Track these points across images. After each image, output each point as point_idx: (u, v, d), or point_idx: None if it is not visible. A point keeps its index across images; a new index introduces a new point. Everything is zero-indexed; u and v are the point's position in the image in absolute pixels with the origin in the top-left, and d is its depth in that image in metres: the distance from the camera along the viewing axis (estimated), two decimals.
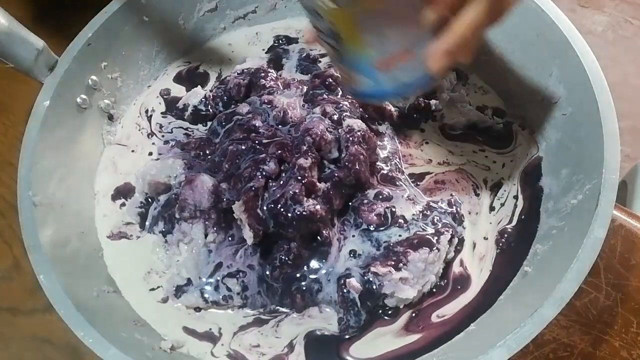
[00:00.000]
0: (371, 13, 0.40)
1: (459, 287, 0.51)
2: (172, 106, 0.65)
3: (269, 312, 0.51)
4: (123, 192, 0.60)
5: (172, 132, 0.64)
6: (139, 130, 0.64)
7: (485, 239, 0.53)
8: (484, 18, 0.39)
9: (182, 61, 0.70)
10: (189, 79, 0.68)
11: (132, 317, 0.51)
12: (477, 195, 0.56)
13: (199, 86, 0.65)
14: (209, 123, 0.63)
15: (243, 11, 0.70)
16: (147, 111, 0.66)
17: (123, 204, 0.59)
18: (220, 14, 0.69)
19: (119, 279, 0.54)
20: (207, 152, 0.59)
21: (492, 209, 0.55)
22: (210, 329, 0.51)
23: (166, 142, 0.63)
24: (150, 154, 0.62)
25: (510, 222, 0.54)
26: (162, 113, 0.65)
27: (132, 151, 0.63)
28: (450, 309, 0.50)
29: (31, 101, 0.55)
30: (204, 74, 0.69)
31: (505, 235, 0.53)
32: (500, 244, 0.52)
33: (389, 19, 0.41)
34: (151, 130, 0.64)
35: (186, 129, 0.64)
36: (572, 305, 0.51)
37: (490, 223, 0.54)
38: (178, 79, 0.68)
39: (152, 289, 0.53)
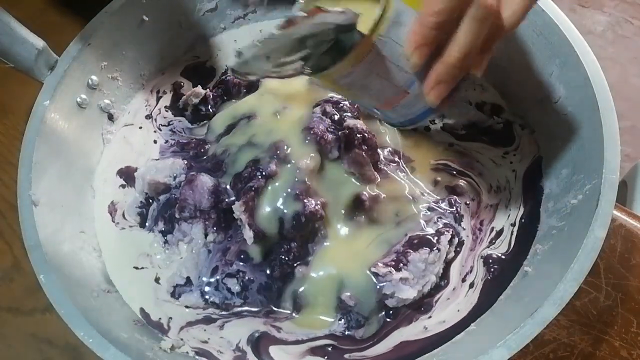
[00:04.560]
0: (346, 76, 0.40)
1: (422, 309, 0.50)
2: (174, 104, 0.66)
3: (224, 315, 0.51)
4: (126, 174, 0.60)
5: (168, 126, 0.64)
6: (146, 106, 0.65)
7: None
8: (474, 42, 0.38)
9: (190, 55, 0.69)
10: (197, 74, 0.68)
11: (132, 317, 0.51)
12: (480, 230, 0.54)
13: (199, 86, 0.65)
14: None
15: (243, 11, 0.70)
16: (158, 92, 0.66)
17: (123, 185, 0.60)
18: (221, 14, 0.69)
19: (117, 279, 0.54)
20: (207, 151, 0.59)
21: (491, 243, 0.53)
22: (160, 319, 0.51)
23: (166, 141, 0.63)
24: (155, 141, 0.63)
25: (507, 250, 0.52)
26: (165, 107, 0.66)
27: (140, 127, 0.64)
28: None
29: (31, 101, 0.55)
30: (210, 69, 0.69)
31: (490, 261, 0.51)
32: (492, 270, 0.51)
33: (367, 76, 0.40)
34: (151, 113, 0.65)
35: (169, 122, 0.64)
36: (572, 305, 0.51)
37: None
38: (186, 74, 0.68)
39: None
